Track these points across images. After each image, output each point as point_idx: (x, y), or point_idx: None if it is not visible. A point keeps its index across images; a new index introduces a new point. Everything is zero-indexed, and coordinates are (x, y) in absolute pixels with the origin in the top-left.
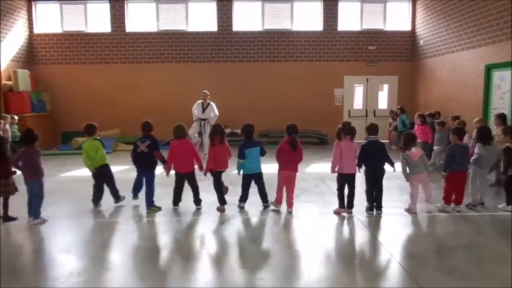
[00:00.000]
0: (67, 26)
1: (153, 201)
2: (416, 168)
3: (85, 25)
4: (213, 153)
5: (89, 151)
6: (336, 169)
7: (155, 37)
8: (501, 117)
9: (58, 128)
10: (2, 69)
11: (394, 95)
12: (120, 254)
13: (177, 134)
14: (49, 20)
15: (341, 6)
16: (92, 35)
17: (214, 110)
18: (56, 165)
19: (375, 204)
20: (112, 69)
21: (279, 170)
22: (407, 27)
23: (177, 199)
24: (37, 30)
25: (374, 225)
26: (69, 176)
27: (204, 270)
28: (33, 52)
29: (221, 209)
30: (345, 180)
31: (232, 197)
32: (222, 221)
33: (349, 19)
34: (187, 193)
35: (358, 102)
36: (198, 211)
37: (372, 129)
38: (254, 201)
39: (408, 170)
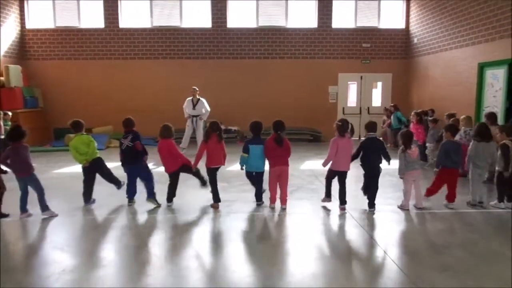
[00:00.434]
0: (59, 21)
1: (154, 193)
2: (413, 165)
3: (78, 21)
4: (205, 149)
5: (78, 146)
6: (329, 165)
7: (148, 33)
8: (491, 117)
9: (51, 124)
10: None
11: (388, 93)
12: (113, 252)
13: (161, 134)
14: (41, 15)
15: (335, 3)
16: (85, 31)
17: (205, 106)
18: (49, 161)
19: (368, 202)
20: (105, 65)
21: (270, 167)
22: (401, 25)
23: (171, 195)
24: (29, 25)
25: (367, 222)
26: (62, 172)
27: (197, 267)
28: (25, 47)
29: (215, 206)
30: (336, 175)
31: (226, 194)
32: (216, 218)
33: (344, 17)
34: (181, 190)
35: (352, 99)
36: (196, 207)
37: (371, 126)
38: (246, 198)
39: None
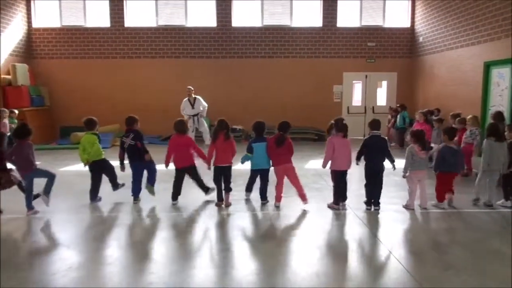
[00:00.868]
0: (66, 20)
1: (154, 183)
2: (419, 165)
3: (84, 20)
4: (214, 149)
5: (85, 144)
6: (328, 166)
7: (154, 32)
8: (498, 116)
9: (57, 122)
10: (1, 63)
11: (393, 92)
12: (118, 249)
13: (177, 128)
14: (48, 14)
15: (340, 2)
16: (91, 30)
17: (202, 103)
18: (55, 159)
19: (372, 200)
20: (111, 64)
21: (273, 166)
22: (406, 24)
23: (176, 193)
24: (35, 24)
25: (372, 221)
26: (68, 170)
27: (201, 266)
28: (32, 46)
29: (219, 205)
30: (339, 176)
31: (232, 192)
32: (220, 217)
33: (349, 16)
34: (186, 189)
35: (357, 98)
36: (201, 206)
37: (374, 124)
38: (251, 196)
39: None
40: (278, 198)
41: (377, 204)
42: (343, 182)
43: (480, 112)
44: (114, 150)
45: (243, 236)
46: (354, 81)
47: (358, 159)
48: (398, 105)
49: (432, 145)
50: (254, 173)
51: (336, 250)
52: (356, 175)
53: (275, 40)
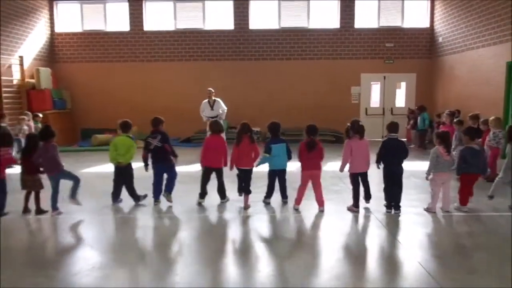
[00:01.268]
0: (87, 25)
1: (171, 190)
2: (443, 167)
3: (104, 24)
4: (237, 152)
5: (119, 145)
6: (347, 169)
7: (172, 35)
8: None
9: (78, 125)
10: (25, 67)
11: (412, 93)
12: (141, 249)
13: (212, 129)
14: (69, 19)
15: (358, 3)
16: (111, 34)
17: (221, 106)
18: (76, 161)
19: (393, 204)
20: (130, 67)
21: (301, 170)
22: (426, 24)
23: (203, 192)
24: (58, 29)
25: (392, 224)
26: (90, 172)
27: (224, 267)
28: (54, 50)
29: (246, 206)
30: (358, 178)
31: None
32: (240, 219)
33: (366, 16)
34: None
35: (375, 100)
36: (220, 208)
37: (392, 127)
38: (275, 198)
39: (433, 168)
40: (298, 201)
41: (397, 208)
42: (365, 184)
43: (503, 114)
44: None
45: (263, 238)
46: (372, 82)
47: (378, 162)
48: (416, 107)
49: (453, 147)
50: (272, 173)
51: (357, 253)
52: (375, 177)
53: (292, 42)
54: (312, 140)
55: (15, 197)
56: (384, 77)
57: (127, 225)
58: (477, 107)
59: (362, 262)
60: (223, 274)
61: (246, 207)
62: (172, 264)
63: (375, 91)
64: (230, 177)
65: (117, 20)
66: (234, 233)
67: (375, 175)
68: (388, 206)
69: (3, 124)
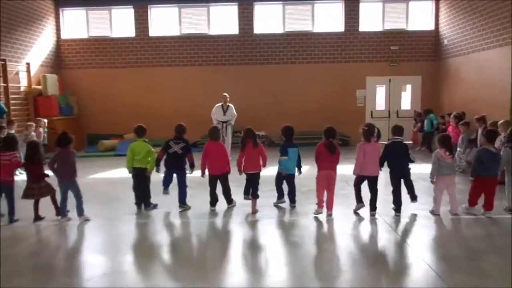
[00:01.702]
0: (92, 31)
1: (185, 200)
2: (446, 170)
3: (110, 30)
4: (243, 157)
5: (136, 151)
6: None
7: (177, 41)
8: None
9: (84, 131)
10: (32, 74)
11: (417, 96)
12: (150, 255)
13: (211, 136)
14: (75, 26)
15: (362, 6)
16: (117, 40)
17: (233, 112)
18: (83, 167)
19: (409, 195)
20: (136, 73)
21: (318, 171)
22: (430, 27)
23: (213, 200)
24: (64, 35)
25: (400, 227)
26: (97, 178)
27: (234, 271)
28: (61, 57)
29: (253, 211)
30: (364, 181)
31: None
32: (248, 223)
33: (371, 20)
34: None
35: (380, 103)
36: (228, 213)
37: (397, 130)
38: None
39: (436, 172)
40: (320, 204)
41: (414, 198)
42: (372, 191)
43: (510, 116)
44: None
45: (272, 242)
46: (377, 85)
47: (381, 165)
48: (423, 110)
49: (458, 149)
50: (280, 176)
51: (366, 257)
52: (382, 180)
53: (297, 46)
54: (331, 142)
55: (24, 204)
56: (390, 80)
57: (137, 231)
58: (483, 109)
59: (371, 266)
60: (234, 279)
61: (254, 211)
62: (183, 269)
63: (381, 94)
64: (236, 181)
65: (122, 26)
66: (243, 237)
67: (381, 178)
68: (396, 209)
69: (12, 131)
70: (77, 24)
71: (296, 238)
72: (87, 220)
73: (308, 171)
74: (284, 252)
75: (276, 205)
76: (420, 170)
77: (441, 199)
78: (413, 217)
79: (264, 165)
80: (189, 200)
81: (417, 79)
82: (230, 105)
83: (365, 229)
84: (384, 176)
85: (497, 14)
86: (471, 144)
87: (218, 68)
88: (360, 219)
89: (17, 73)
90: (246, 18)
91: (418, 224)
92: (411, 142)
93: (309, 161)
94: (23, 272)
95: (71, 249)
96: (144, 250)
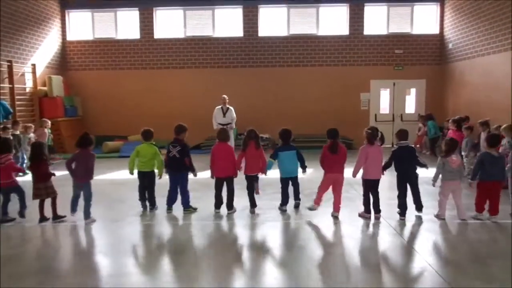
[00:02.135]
0: (98, 33)
1: (189, 203)
2: (452, 175)
3: (115, 32)
4: (243, 158)
5: (142, 153)
6: (360, 175)
7: (182, 43)
8: None
9: (89, 132)
10: (37, 75)
11: (421, 99)
12: (154, 256)
13: (219, 137)
14: (81, 28)
15: (367, 10)
16: (122, 42)
17: (233, 114)
18: None
19: (415, 205)
20: (140, 75)
21: (325, 173)
22: (435, 30)
23: (218, 203)
24: (69, 37)
25: (406, 231)
26: (102, 179)
27: (239, 274)
28: (66, 58)
29: (252, 211)
30: (370, 185)
31: (260, 201)
32: (252, 226)
33: (376, 23)
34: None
35: (384, 106)
36: (232, 215)
37: (402, 134)
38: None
39: (441, 176)
40: (317, 201)
41: (419, 208)
42: (375, 194)
43: None
44: None
45: (277, 245)
46: (381, 89)
47: (384, 169)
48: (425, 114)
49: (462, 153)
50: (284, 181)
51: (372, 260)
52: (385, 184)
53: (302, 49)
54: (334, 142)
55: (30, 205)
56: (394, 84)
57: (142, 233)
58: (488, 114)
59: (377, 270)
60: (238, 281)
61: (257, 191)
62: (185, 271)
63: (385, 97)
64: (240, 184)
65: (127, 28)
66: (247, 240)
67: (384, 183)
68: (402, 214)
69: (16, 132)
70: (82, 25)
71: (301, 241)
72: (93, 221)
73: (311, 174)
74: (289, 255)
75: (280, 209)
76: (425, 174)
77: (445, 203)
78: (418, 221)
79: (262, 170)
80: (193, 203)
81: (422, 82)
82: (230, 107)
83: (370, 233)
84: (388, 180)
85: (502, 19)
86: (475, 149)
87: (222, 70)
88: (365, 222)
89: (22, 74)
90: (250, 20)
91: (423, 228)
92: (413, 146)
93: (312, 164)
94: (29, 273)
95: (78, 250)
96: (148, 252)
